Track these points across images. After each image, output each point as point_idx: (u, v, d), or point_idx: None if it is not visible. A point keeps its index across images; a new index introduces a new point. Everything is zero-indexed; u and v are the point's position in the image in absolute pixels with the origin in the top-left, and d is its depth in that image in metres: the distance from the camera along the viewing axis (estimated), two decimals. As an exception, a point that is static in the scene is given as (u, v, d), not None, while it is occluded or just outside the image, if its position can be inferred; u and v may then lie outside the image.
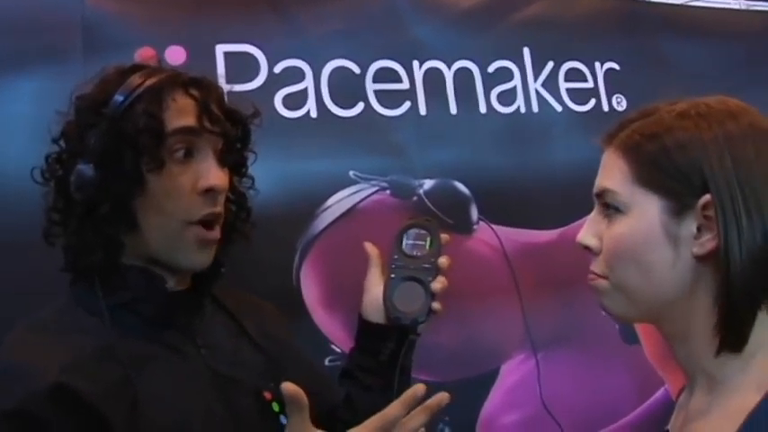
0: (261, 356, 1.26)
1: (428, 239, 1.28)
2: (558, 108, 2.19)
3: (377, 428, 1.05)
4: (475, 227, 2.05)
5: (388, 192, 1.98)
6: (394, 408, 1.06)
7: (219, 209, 1.19)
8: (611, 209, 0.95)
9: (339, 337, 1.88)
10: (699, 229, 0.90)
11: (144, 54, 1.80)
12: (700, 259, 0.90)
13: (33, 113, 1.64)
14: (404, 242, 1.30)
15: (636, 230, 0.92)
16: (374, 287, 1.32)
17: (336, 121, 1.95)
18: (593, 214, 0.99)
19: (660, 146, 0.92)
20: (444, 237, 1.30)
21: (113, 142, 1.12)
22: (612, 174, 0.95)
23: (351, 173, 1.94)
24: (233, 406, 1.18)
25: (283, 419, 1.21)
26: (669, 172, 0.91)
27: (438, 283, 1.27)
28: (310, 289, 1.88)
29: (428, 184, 2.02)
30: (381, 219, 1.96)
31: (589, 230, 0.98)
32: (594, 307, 2.39)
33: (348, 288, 1.81)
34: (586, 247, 0.98)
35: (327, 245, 1.90)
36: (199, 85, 1.19)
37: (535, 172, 2.11)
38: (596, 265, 0.98)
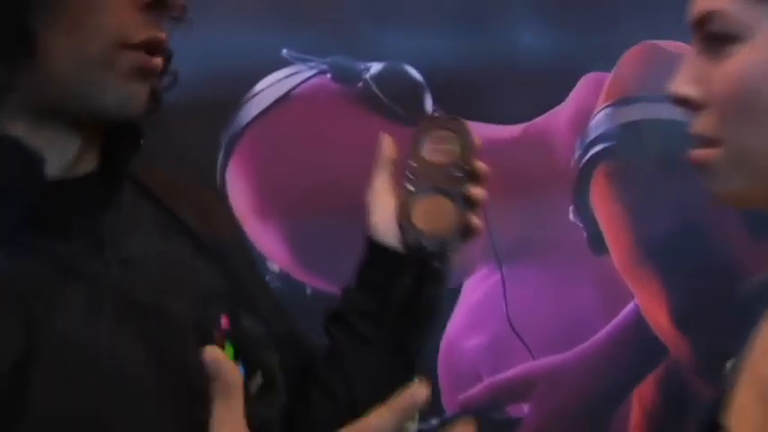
0: (212, 267, 0.94)
1: (457, 142, 1.05)
2: (525, -17, 2.19)
3: None
4: (429, 119, 1.96)
5: (328, 75, 1.92)
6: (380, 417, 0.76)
7: (164, 34, 0.89)
8: (721, 39, 0.76)
9: (275, 252, 1.86)
10: None
11: None
12: None
13: None
14: (424, 146, 1.05)
15: (763, 64, 0.75)
16: (385, 202, 1.04)
17: (268, -10, 1.92)
18: (691, 55, 0.79)
19: None
20: (477, 139, 1.10)
21: None
22: None
23: (284, 52, 1.87)
24: (160, 354, 0.87)
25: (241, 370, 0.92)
26: None
27: (477, 192, 1.00)
28: (239, 192, 1.85)
29: (375, 67, 1.94)
30: (321, 107, 1.92)
31: (687, 75, 0.78)
32: (563, 212, 2.13)
33: (284, 191, 1.86)
34: (684, 100, 0.78)
35: (258, 138, 1.87)
36: None
37: (498, 57, 1.99)
38: (701, 124, 0.78)
